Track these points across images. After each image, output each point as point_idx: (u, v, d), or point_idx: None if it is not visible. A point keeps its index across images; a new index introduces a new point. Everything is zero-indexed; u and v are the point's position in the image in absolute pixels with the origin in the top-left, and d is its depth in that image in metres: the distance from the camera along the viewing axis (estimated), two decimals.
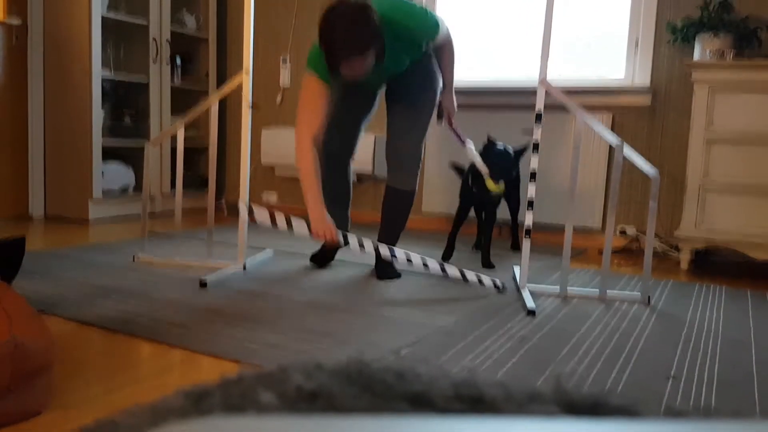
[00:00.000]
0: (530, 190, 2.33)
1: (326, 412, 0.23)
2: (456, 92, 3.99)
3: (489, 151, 2.83)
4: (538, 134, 2.30)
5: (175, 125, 2.68)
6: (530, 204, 2.34)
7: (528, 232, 2.35)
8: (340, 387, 0.25)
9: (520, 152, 2.98)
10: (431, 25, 2.37)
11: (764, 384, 1.59)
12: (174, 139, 4.28)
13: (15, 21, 3.78)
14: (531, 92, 3.75)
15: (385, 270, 2.56)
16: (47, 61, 3.91)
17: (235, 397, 0.24)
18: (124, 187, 4.14)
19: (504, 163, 2.77)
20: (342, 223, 2.72)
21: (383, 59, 2.29)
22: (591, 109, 3.63)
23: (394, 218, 2.58)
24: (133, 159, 4.19)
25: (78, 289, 2.23)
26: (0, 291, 1.46)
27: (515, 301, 2.29)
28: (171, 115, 4.30)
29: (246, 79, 2.59)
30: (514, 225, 3.42)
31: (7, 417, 1.20)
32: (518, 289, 2.44)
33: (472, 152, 2.72)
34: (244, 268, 2.61)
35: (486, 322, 2.02)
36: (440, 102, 2.63)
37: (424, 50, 2.49)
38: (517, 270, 2.73)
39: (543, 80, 2.30)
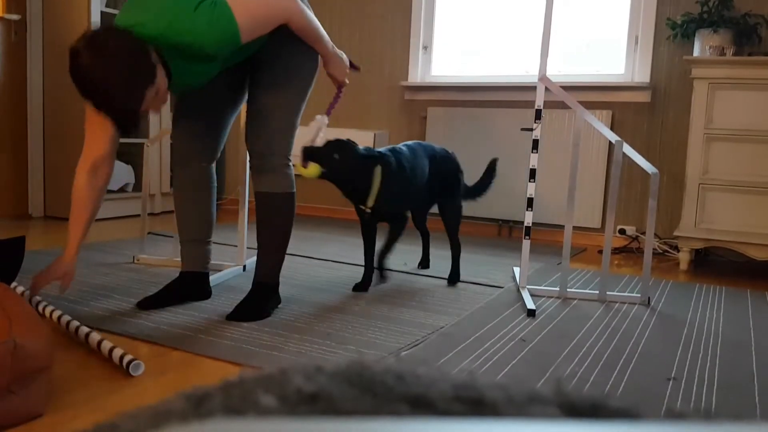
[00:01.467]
0: (530, 189, 2.33)
1: (326, 414, 0.23)
2: (455, 89, 3.99)
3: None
4: (538, 131, 2.30)
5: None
6: (530, 203, 2.34)
7: (528, 231, 2.35)
8: (340, 389, 0.25)
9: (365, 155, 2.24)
10: (220, 31, 1.71)
11: (765, 385, 1.59)
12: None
13: (14, 17, 3.77)
14: (530, 89, 3.75)
15: (242, 311, 1.97)
16: (46, 58, 3.90)
17: (235, 400, 0.24)
18: (123, 186, 4.14)
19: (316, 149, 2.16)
20: (199, 262, 2.16)
21: (171, 79, 1.83)
22: (590, 105, 3.63)
23: (269, 232, 2.03)
24: (133, 157, 4.19)
25: (77, 289, 2.22)
26: (0, 291, 1.46)
27: (515, 302, 2.29)
28: (170, 112, 4.29)
29: None
30: (454, 246, 2.56)
31: (8, 418, 1.20)
32: (518, 290, 2.44)
33: (317, 128, 2.12)
34: (244, 268, 2.61)
35: (486, 323, 2.02)
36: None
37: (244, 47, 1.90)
38: (516, 271, 2.73)
39: (543, 77, 2.30)
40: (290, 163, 2.03)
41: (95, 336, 1.61)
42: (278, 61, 1.99)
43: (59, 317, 1.75)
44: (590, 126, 3.44)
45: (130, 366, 1.47)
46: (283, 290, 2.32)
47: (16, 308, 1.37)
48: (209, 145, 2.14)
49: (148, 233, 3.43)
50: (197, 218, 2.16)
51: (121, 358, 1.50)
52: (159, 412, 0.24)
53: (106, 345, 1.56)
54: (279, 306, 2.10)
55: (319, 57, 2.05)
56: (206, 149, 2.14)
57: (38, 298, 1.91)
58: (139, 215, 4.10)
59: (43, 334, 1.30)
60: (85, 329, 1.66)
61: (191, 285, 2.13)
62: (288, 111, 1.99)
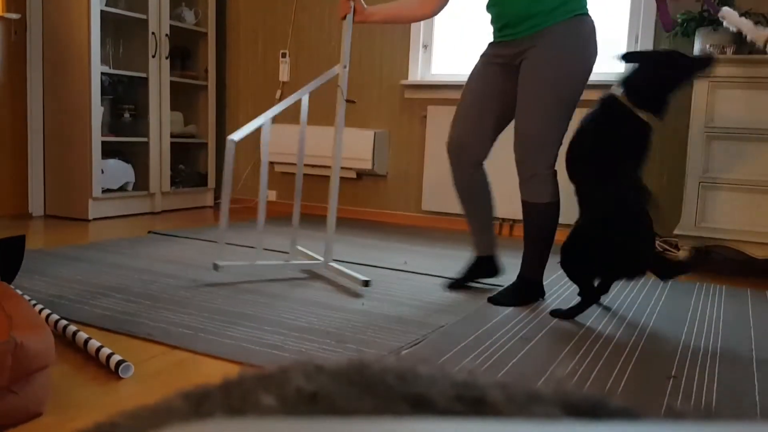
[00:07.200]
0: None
1: (326, 413, 0.23)
2: (456, 87, 3.98)
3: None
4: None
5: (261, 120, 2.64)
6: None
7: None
8: (340, 388, 0.25)
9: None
10: None
11: (764, 383, 1.59)
12: (172, 134, 4.27)
13: (14, 16, 3.77)
14: None
15: (504, 295, 2.28)
16: (46, 57, 3.90)
17: (236, 399, 0.24)
18: (124, 185, 4.13)
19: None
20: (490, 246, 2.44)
21: None
22: (591, 104, 3.63)
23: (530, 240, 2.38)
24: (132, 156, 4.19)
25: (78, 288, 2.23)
26: (0, 290, 1.46)
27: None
28: (170, 111, 4.29)
29: (342, 72, 2.49)
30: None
31: (8, 418, 1.20)
32: None
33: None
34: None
35: (486, 322, 2.02)
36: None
37: None
38: None
39: None
40: (550, 170, 2.35)
41: (82, 335, 1.62)
42: None
43: (47, 316, 1.75)
44: None
45: (120, 368, 1.47)
46: (282, 289, 2.32)
47: (17, 307, 1.37)
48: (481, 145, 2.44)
49: (149, 232, 3.42)
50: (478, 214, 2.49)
51: (108, 358, 1.50)
52: (159, 412, 0.24)
53: (93, 344, 1.56)
54: (541, 299, 2.32)
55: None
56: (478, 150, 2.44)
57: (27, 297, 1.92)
58: (138, 214, 4.10)
59: (43, 333, 1.30)
60: (72, 328, 1.66)
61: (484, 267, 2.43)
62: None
